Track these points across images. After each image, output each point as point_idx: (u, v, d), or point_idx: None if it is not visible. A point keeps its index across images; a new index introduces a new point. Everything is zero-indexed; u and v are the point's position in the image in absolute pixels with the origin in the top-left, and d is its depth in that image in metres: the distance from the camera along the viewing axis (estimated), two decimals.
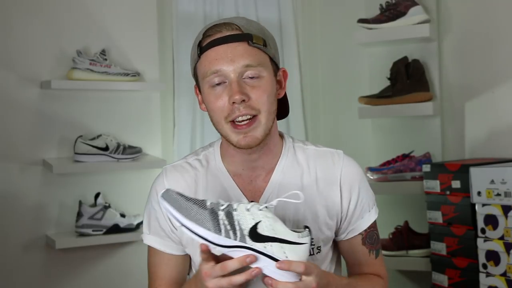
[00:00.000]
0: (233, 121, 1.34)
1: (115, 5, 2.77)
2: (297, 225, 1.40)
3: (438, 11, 2.81)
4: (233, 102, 1.32)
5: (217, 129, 1.38)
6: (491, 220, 2.27)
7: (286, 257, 1.18)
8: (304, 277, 1.19)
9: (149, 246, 1.47)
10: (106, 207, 2.60)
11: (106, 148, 2.60)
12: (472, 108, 2.76)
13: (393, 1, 2.77)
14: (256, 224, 1.19)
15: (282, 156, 1.44)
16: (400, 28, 2.74)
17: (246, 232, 1.19)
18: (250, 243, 1.18)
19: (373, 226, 1.48)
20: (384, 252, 2.08)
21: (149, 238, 1.45)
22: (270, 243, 1.18)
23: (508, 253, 2.21)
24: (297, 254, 1.19)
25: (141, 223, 2.61)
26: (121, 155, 2.63)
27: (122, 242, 2.68)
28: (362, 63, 3.07)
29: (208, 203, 1.21)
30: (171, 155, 2.89)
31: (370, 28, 2.80)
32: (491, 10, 2.70)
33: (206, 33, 1.36)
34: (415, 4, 2.72)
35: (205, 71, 1.35)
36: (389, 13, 2.76)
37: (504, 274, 2.23)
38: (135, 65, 2.78)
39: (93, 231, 2.56)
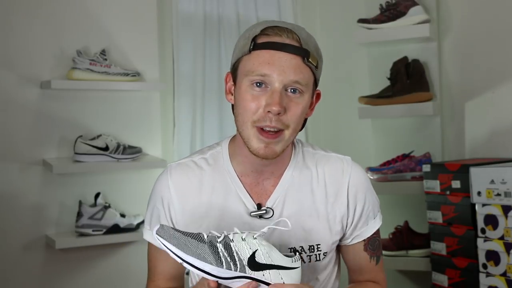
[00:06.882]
0: (260, 127, 1.32)
1: (115, 5, 2.77)
2: (303, 229, 1.40)
3: (438, 11, 2.81)
4: (269, 111, 1.30)
5: (238, 128, 1.36)
6: (491, 220, 2.27)
7: (283, 282, 1.24)
8: None
9: (149, 242, 1.47)
10: (106, 207, 2.59)
11: (106, 148, 2.60)
12: (472, 108, 2.76)
13: (393, 1, 2.77)
14: (254, 253, 1.23)
15: (292, 162, 1.44)
16: (400, 28, 2.74)
17: (245, 262, 1.23)
18: (249, 272, 1.23)
19: (376, 232, 1.49)
20: (384, 252, 2.08)
21: (149, 234, 1.45)
22: (268, 271, 1.23)
23: (508, 253, 2.21)
24: (292, 278, 1.25)
25: (141, 223, 2.62)
26: (121, 155, 2.63)
27: (122, 242, 2.68)
28: (362, 63, 3.07)
29: (205, 236, 1.24)
30: (171, 155, 2.89)
31: (370, 28, 2.80)
32: (491, 10, 2.70)
33: (264, 31, 1.33)
34: (415, 4, 2.72)
35: (251, 69, 1.32)
36: (389, 13, 2.76)
37: (504, 274, 2.23)
38: (135, 65, 2.78)
39: (93, 231, 2.56)
